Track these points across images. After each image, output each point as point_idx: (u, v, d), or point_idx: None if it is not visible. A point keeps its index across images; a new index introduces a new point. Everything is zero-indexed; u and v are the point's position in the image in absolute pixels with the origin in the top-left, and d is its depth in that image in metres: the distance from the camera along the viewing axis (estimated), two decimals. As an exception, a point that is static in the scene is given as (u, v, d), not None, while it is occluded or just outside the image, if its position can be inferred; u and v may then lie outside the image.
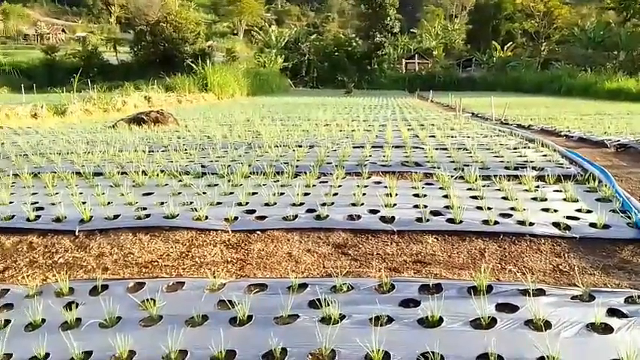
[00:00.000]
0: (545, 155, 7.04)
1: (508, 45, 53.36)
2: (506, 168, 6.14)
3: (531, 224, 4.06)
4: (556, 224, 4.07)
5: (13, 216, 4.62)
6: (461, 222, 4.15)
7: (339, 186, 5.47)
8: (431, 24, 66.38)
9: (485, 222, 4.13)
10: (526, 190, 5.13)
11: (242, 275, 3.54)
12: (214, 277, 3.33)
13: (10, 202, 5.08)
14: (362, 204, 4.71)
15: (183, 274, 3.58)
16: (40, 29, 76.97)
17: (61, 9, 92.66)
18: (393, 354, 2.41)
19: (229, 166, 6.40)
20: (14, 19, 78.46)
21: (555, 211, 4.42)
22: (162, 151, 7.99)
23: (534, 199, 4.82)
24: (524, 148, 7.75)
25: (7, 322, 2.96)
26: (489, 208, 4.41)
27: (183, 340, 2.56)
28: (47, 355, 2.58)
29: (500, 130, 10.37)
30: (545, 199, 4.78)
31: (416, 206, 4.60)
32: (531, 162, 6.42)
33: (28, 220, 4.52)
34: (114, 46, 55.52)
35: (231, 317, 2.84)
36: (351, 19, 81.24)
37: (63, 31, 78.85)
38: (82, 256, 3.91)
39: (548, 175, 5.54)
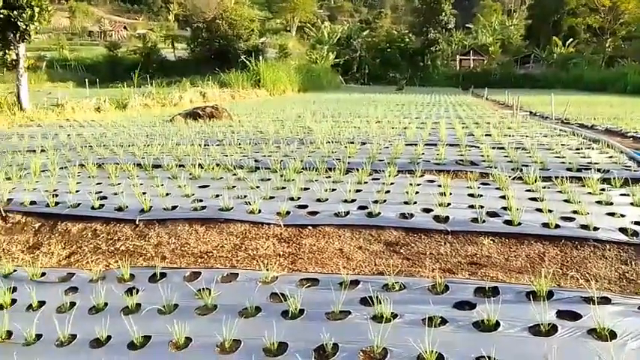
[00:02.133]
0: (610, 157, 6.68)
1: (570, 41, 50.92)
2: (569, 169, 5.87)
3: (596, 229, 3.87)
4: (623, 230, 3.86)
5: (79, 204, 4.87)
6: (519, 224, 4.01)
7: (392, 183, 5.41)
8: (488, 19, 64.29)
9: (546, 225, 3.97)
10: (590, 193, 4.88)
11: (294, 269, 3.57)
12: (267, 269, 3.38)
13: (77, 191, 5.36)
14: (415, 202, 4.64)
15: (237, 265, 3.66)
16: (103, 26, 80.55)
17: (123, 7, 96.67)
18: (446, 356, 2.37)
19: (282, 161, 6.47)
20: (80, 17, 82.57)
21: (622, 215, 4.19)
22: (217, 145, 8.18)
23: (599, 202, 4.59)
24: (588, 148, 7.38)
25: (73, 304, 3.13)
26: (550, 211, 4.23)
27: (237, 330, 2.62)
28: (109, 337, 2.70)
29: (561, 130, 9.93)
30: (611, 203, 4.54)
31: (471, 206, 4.48)
32: (595, 163, 6.11)
33: (92, 208, 4.76)
34: (172, 42, 57.28)
35: (284, 310, 2.88)
36: (404, 14, 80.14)
37: (125, 28, 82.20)
38: (142, 245, 4.07)
39: (614, 178, 5.26)
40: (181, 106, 18.72)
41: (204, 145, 8.13)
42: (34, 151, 7.87)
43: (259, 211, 4.47)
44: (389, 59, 52.96)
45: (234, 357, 2.48)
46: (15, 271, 3.66)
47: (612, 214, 4.23)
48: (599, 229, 3.88)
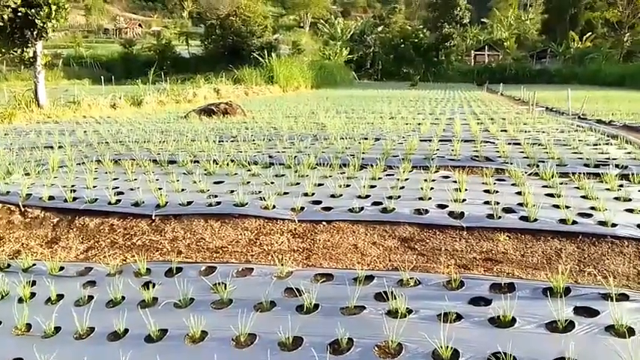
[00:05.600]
0: (629, 152, 6.57)
1: (587, 35, 50.14)
2: (586, 165, 5.79)
3: (614, 225, 3.81)
4: (641, 226, 3.80)
5: (97, 199, 4.94)
6: (535, 220, 3.97)
7: (406, 179, 5.39)
8: (503, 13, 63.51)
9: (563, 221, 3.92)
10: (608, 189, 4.81)
11: (308, 264, 3.58)
12: (282, 264, 3.39)
13: (94, 187, 5.43)
14: (429, 198, 4.62)
15: (252, 260, 3.68)
16: (118, 24, 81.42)
17: (138, 4, 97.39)
18: (462, 352, 2.36)
19: (295, 157, 6.47)
20: (95, 14, 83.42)
21: (641, 212, 4.12)
22: (232, 141, 8.22)
23: (617, 198, 4.52)
24: (606, 144, 7.26)
25: (90, 297, 3.18)
26: (567, 207, 4.18)
27: (252, 324, 2.64)
28: (126, 330, 2.74)
29: (578, 126, 9.79)
30: (630, 199, 4.47)
31: (487, 202, 4.45)
32: (614, 159, 6.02)
33: (109, 203, 4.82)
34: (186, 39, 57.67)
35: (298, 305, 2.89)
36: (418, 9, 79.65)
37: (140, 25, 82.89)
38: (158, 240, 4.12)
39: (632, 174, 5.17)
40: (195, 102, 18.84)
41: (219, 142, 8.17)
42: (52, 147, 7.99)
43: (274, 207, 4.49)
44: (403, 55, 52.64)
45: (250, 351, 2.50)
46: (34, 265, 3.72)
47: (631, 211, 4.16)
48: (617, 225, 3.82)
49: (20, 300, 3.19)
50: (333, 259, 3.64)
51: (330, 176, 5.47)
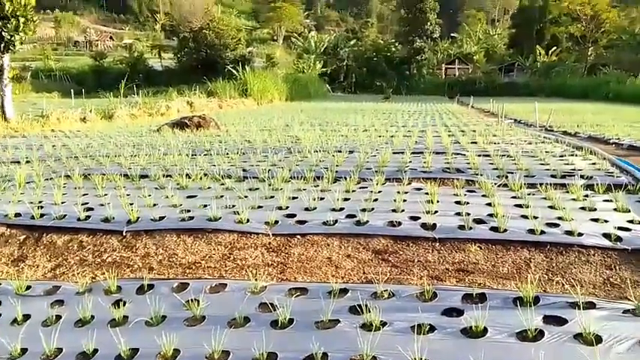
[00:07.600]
0: (593, 163, 6.79)
1: (553, 49, 51.86)
2: (553, 176, 5.96)
3: (580, 235, 3.93)
4: (606, 235, 3.92)
5: (65, 215, 4.82)
6: (505, 231, 4.05)
7: (379, 192, 5.44)
8: (472, 28, 65.22)
9: (531, 231, 4.01)
10: (574, 200, 4.96)
11: (283, 279, 3.57)
12: (256, 279, 3.36)
13: (62, 202, 5.30)
14: (402, 210, 4.67)
15: (226, 275, 3.64)
16: (89, 36, 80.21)
17: (110, 17, 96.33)
18: (435, 363, 2.38)
19: (269, 170, 6.47)
20: (65, 27, 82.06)
21: (605, 221, 4.26)
22: (205, 154, 8.16)
23: (583, 208, 4.66)
24: (571, 155, 7.50)
25: (58, 317, 3.08)
26: (535, 217, 4.29)
27: (226, 340, 2.61)
28: (95, 350, 2.67)
29: (545, 137, 10.07)
30: (595, 209, 4.61)
31: (458, 214, 4.52)
32: (579, 170, 6.21)
33: (78, 219, 4.71)
34: (158, 52, 57.20)
35: (273, 320, 2.87)
36: (390, 24, 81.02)
37: (111, 38, 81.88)
38: (129, 256, 4.04)
39: (597, 184, 5.34)
40: (168, 115, 18.64)
41: (192, 155, 8.10)
42: (19, 162, 7.78)
43: (248, 221, 4.47)
44: (375, 68, 53.38)
45: (224, 368, 2.47)
46: (-1, 284, 3.60)
47: (596, 220, 4.30)
48: (583, 234, 3.94)
49: (-16, 321, 3.07)
50: (308, 273, 3.64)
51: (305, 189, 5.48)
